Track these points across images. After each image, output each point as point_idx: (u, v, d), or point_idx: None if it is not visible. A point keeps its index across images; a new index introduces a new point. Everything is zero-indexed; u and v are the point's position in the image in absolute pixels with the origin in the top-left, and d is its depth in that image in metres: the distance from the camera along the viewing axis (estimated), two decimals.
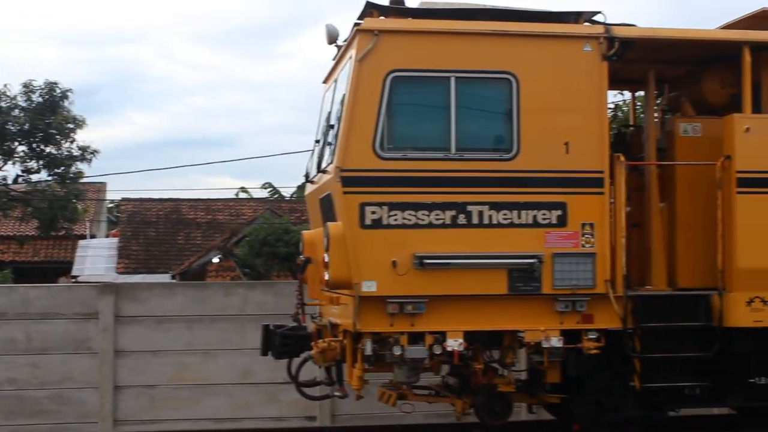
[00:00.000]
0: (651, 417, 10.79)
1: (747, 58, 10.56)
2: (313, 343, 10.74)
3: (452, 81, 9.95)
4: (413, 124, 10.05)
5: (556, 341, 10.04)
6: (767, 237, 10.29)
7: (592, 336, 10.19)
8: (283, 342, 10.95)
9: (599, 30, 10.29)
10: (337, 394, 11.01)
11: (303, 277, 11.09)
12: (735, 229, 10.28)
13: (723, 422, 12.42)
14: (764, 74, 11.17)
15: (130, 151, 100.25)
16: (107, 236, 45.92)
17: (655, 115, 12.03)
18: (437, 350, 9.87)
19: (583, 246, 10.06)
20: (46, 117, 30.86)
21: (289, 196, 41.50)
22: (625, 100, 19.23)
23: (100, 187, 44.86)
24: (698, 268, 10.81)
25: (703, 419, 12.55)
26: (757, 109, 10.90)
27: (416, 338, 9.90)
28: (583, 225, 10.07)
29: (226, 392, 14.29)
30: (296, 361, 11.30)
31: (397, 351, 9.82)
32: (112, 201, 51.63)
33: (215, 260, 32.11)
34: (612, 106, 20.90)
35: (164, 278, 31.76)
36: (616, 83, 12.36)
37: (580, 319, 10.14)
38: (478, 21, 10.20)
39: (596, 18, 10.51)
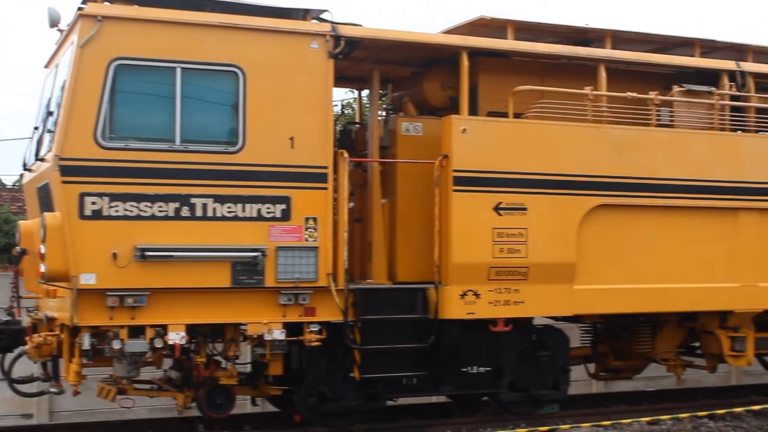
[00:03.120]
0: (370, 406, 11.10)
1: (465, 62, 11.04)
2: (27, 338, 10.35)
3: (178, 72, 9.84)
4: (137, 113, 9.84)
5: (278, 334, 10.12)
6: (480, 233, 10.80)
7: (314, 328, 10.36)
8: None
9: (326, 28, 10.47)
10: (53, 390, 10.62)
11: (18, 269, 10.66)
12: (451, 225, 10.73)
13: (438, 410, 12.94)
14: (481, 78, 11.74)
15: None
16: None
17: (381, 113, 12.39)
18: (158, 344, 9.74)
19: (307, 240, 10.20)
20: None
21: (11, 184, 39.53)
22: (355, 98, 19.62)
23: None
24: (417, 262, 11.21)
25: (420, 407, 13.04)
26: (474, 111, 11.43)
27: (137, 332, 9.72)
28: (307, 219, 10.22)
29: None
30: (10, 356, 10.84)
31: (116, 345, 9.61)
32: None
33: None
34: (342, 103, 21.37)
35: None
36: (343, 81, 12.68)
37: (302, 311, 10.28)
38: (206, 12, 10.12)
39: (324, 16, 10.68)
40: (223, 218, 9.90)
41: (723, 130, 12.21)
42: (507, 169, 10.92)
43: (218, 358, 10.59)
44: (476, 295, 10.79)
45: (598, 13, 51.32)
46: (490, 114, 11.54)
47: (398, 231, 11.33)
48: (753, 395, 14.23)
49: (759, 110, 12.51)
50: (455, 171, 10.73)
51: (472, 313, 10.83)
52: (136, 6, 9.98)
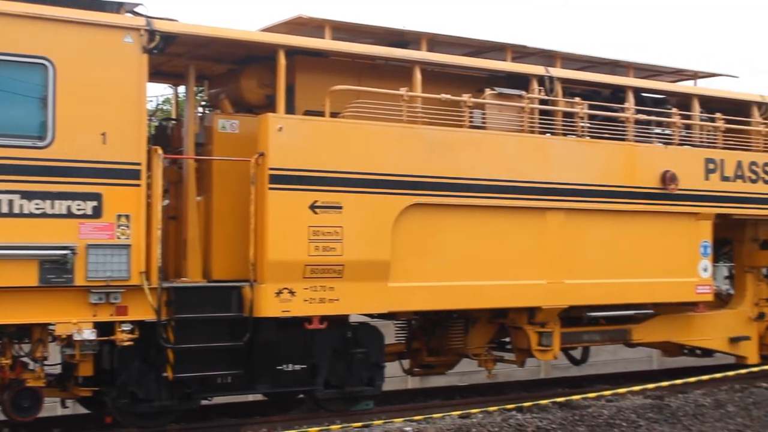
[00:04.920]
0: (183, 406, 10.98)
1: (282, 61, 11.06)
2: None
3: None
4: None
5: (88, 334, 9.89)
6: (296, 232, 10.84)
7: (126, 328, 10.18)
8: None
9: (140, 22, 10.29)
10: None
11: None
12: (266, 223, 10.72)
13: (254, 408, 12.91)
14: (299, 77, 11.79)
15: None
16: None
17: (198, 110, 12.27)
18: None
19: (119, 238, 10.01)
20: None
21: None
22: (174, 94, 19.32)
23: None
24: (232, 260, 11.16)
25: (236, 406, 12.98)
26: (291, 110, 11.47)
27: None
28: (119, 216, 10.02)
29: None
30: None
31: None
32: None
33: None
34: (159, 99, 21.05)
35: None
36: (159, 77, 12.49)
37: (114, 311, 10.08)
38: (13, 2, 9.78)
39: (138, 10, 10.49)
40: (31, 215, 9.60)
41: (532, 132, 12.64)
42: (323, 167, 10.99)
43: (26, 359, 10.26)
44: (291, 293, 10.82)
45: (416, 16, 52.25)
46: (307, 113, 11.60)
47: (214, 229, 11.25)
48: (559, 388, 14.78)
49: (566, 114, 12.99)
50: (271, 169, 10.73)
51: (288, 311, 10.85)
52: None
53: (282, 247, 10.77)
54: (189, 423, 11.32)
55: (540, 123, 12.72)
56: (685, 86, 15.05)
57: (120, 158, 10.05)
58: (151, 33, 10.27)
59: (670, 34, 55.72)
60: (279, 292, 10.75)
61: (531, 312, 12.78)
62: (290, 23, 11.96)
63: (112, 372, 10.63)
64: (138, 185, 10.13)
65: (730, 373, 14.23)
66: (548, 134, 12.87)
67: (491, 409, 12.08)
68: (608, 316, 13.53)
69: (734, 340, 15.02)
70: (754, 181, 14.53)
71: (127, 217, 10.06)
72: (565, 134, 12.97)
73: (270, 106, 11.42)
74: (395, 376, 14.57)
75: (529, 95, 12.66)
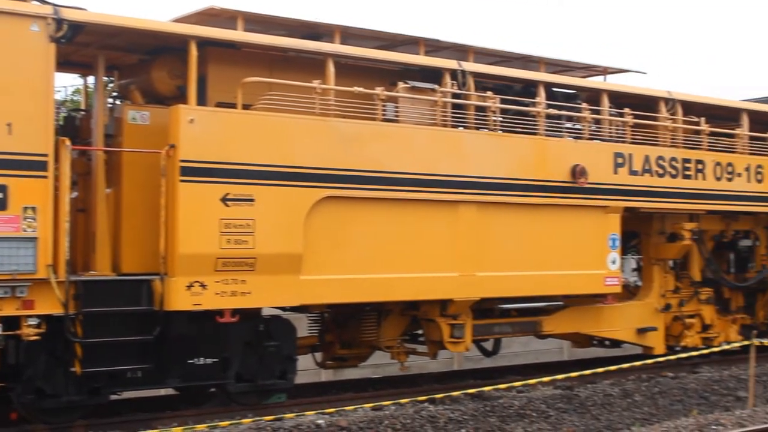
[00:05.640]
0: (92, 401, 10.83)
1: (193, 51, 10.94)
2: None
3: None
4: None
5: None
6: (207, 224, 10.74)
7: (33, 322, 9.99)
8: None
9: (47, 10, 10.09)
10: None
11: None
12: (177, 216, 10.60)
13: (165, 403, 12.77)
14: (210, 68, 11.69)
15: None
16: None
17: (109, 101, 12.08)
18: None
19: (25, 230, 9.81)
20: None
21: None
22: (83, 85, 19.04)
23: None
24: (143, 253, 11.02)
25: (146, 401, 12.83)
26: (202, 101, 11.36)
27: None
28: (25, 209, 9.82)
29: None
30: None
31: None
32: None
33: None
34: (67, 89, 20.68)
35: None
36: (68, 66, 12.27)
37: (20, 305, 9.89)
38: None
39: None
40: None
41: (445, 126, 12.72)
42: (235, 160, 10.91)
43: None
44: (203, 286, 10.73)
45: (331, 9, 52.22)
46: (219, 105, 11.50)
47: (123, 221, 11.10)
48: (472, 379, 14.93)
49: (478, 108, 13.10)
50: (182, 161, 10.61)
51: (199, 305, 10.76)
52: None
53: (193, 240, 10.66)
54: (98, 419, 11.16)
55: (453, 117, 12.80)
56: (594, 82, 15.30)
57: (26, 149, 9.85)
58: (59, 21, 10.07)
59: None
60: (190, 286, 10.65)
61: (443, 304, 12.87)
62: (202, 14, 11.84)
63: (17, 367, 10.42)
64: (45, 177, 9.94)
65: (637, 363, 14.52)
66: (461, 128, 12.96)
67: (403, 401, 12.16)
68: (519, 308, 13.69)
69: (641, 331, 15.33)
70: (661, 176, 14.84)
71: (33, 209, 9.87)
72: (477, 128, 13.08)
73: (181, 97, 11.29)
74: (309, 369, 14.55)
75: (442, 89, 12.73)
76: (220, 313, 11.03)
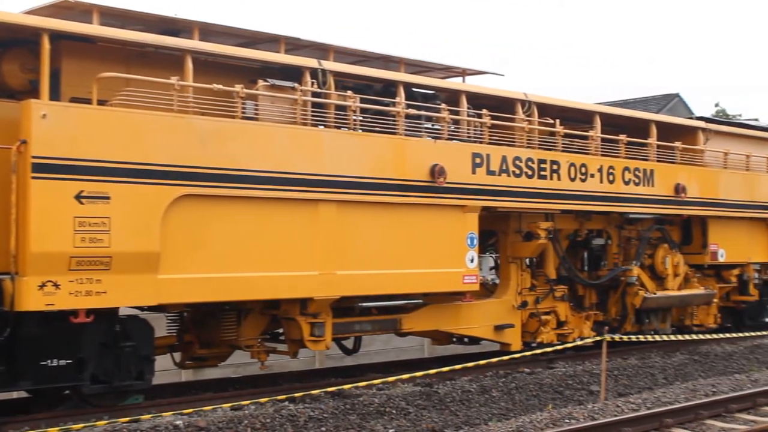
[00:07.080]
0: None
1: (46, 45, 10.68)
2: None
3: None
4: None
5: None
6: (61, 222, 10.48)
7: None
8: None
9: None
10: None
11: None
12: (29, 213, 10.33)
13: (16, 406, 12.41)
14: (65, 62, 11.43)
15: None
16: None
17: None
18: None
19: None
20: None
21: None
22: None
23: None
24: None
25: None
26: (56, 96, 11.08)
27: None
28: None
29: None
30: None
31: None
32: None
33: None
34: None
35: None
36: None
37: None
38: None
39: None
40: None
41: (305, 125, 12.72)
42: (89, 156, 10.68)
43: None
44: (56, 285, 10.47)
45: (191, 6, 51.64)
46: (74, 100, 11.25)
47: None
48: (334, 378, 14.97)
49: (338, 107, 13.15)
50: (34, 157, 10.34)
51: (52, 305, 10.49)
52: None
53: (45, 238, 10.40)
54: None
55: (312, 115, 12.82)
56: (453, 83, 15.54)
57: None
58: None
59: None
60: (42, 285, 10.38)
61: (303, 303, 12.88)
62: (56, 6, 11.57)
63: None
64: None
65: (495, 360, 14.81)
66: (321, 127, 12.99)
67: (263, 400, 12.12)
68: (379, 306, 13.81)
69: (499, 328, 15.65)
70: (517, 176, 15.17)
71: None
72: (338, 127, 13.13)
73: (34, 91, 10.99)
74: (169, 369, 14.35)
75: (302, 87, 12.73)
76: (74, 313, 10.78)
